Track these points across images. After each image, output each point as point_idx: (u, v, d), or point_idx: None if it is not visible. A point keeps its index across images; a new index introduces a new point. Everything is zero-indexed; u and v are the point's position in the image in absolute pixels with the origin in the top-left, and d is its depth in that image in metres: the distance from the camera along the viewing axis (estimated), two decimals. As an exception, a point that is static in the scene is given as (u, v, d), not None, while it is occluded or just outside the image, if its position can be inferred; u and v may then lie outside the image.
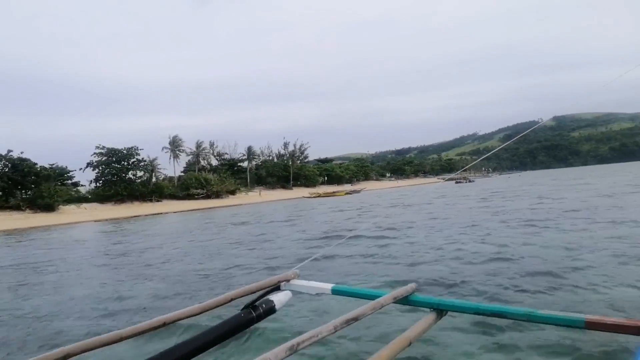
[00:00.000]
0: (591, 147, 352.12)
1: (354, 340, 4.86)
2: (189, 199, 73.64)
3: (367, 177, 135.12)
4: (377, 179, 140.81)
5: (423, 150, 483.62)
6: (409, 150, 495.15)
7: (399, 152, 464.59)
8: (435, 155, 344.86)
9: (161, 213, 55.18)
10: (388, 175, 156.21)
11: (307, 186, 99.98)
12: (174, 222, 36.71)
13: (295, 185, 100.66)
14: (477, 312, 2.13)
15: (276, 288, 2.52)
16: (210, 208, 59.74)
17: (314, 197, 66.28)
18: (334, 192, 70.45)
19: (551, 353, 4.22)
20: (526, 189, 39.92)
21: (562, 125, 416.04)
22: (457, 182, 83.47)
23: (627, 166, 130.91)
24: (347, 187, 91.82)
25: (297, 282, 2.61)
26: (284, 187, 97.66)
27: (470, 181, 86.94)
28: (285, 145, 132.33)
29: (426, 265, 8.82)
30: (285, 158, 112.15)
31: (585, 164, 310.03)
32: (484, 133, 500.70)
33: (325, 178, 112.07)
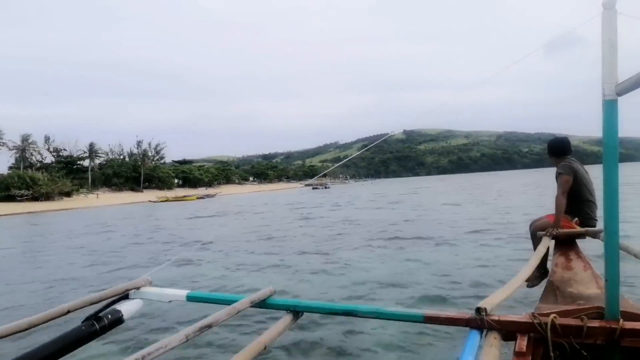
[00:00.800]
0: (434, 159, 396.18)
1: (209, 348, 4.63)
2: (10, 201, 62.24)
3: (228, 181, 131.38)
4: (239, 183, 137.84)
5: (289, 156, 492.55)
6: (275, 155, 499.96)
7: (266, 157, 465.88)
8: (300, 161, 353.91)
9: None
10: (252, 179, 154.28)
11: (161, 189, 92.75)
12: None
13: (148, 187, 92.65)
14: (331, 311, 2.33)
15: (124, 297, 2.37)
16: (35, 212, 50.88)
17: (162, 201, 60.88)
18: (184, 197, 65.30)
19: (397, 346, 4.48)
20: (372, 198, 41.36)
21: (411, 138, 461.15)
22: (314, 188, 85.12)
23: (460, 177, 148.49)
24: (202, 191, 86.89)
25: (149, 290, 2.47)
26: (133, 190, 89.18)
27: (326, 187, 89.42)
28: (139, 143, 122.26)
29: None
30: (137, 157, 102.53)
31: (429, 174, 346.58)
32: (344, 142, 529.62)
33: (180, 181, 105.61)
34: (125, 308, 2.20)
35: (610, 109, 1.91)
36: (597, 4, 1.92)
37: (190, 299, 2.45)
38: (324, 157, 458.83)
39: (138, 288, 2.46)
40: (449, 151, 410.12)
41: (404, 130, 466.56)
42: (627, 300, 2.52)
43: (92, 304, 2.18)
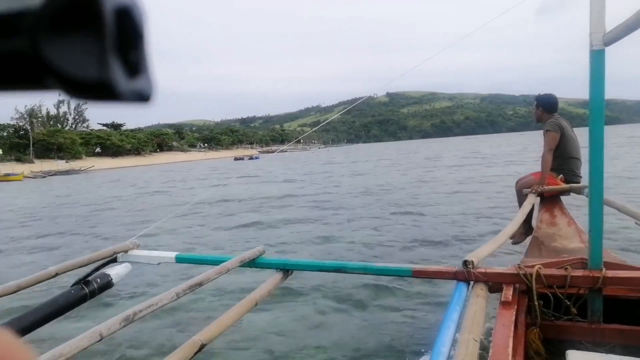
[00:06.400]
0: (416, 123, 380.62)
1: (200, 306, 4.58)
2: None
3: (169, 148, 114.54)
4: (183, 150, 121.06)
5: (268, 120, 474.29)
6: (254, 119, 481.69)
7: (244, 121, 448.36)
8: (278, 126, 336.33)
9: None
10: (201, 145, 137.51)
11: (62, 158, 75.50)
12: None
13: (45, 157, 75.15)
14: (321, 269, 2.39)
15: (112, 260, 2.35)
16: None
17: None
18: (5, 175, 46.13)
19: (387, 299, 4.44)
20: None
21: (394, 101, 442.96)
22: (236, 159, 70.07)
23: (438, 142, 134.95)
24: (82, 162, 68.36)
25: (137, 253, 2.46)
26: (20, 161, 72.02)
27: (252, 158, 72.97)
28: (59, 103, 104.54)
29: None
30: (24, 119, 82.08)
31: (411, 138, 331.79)
32: (326, 105, 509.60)
33: (96, 148, 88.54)
34: (114, 272, 2.13)
35: (597, 60, 1.95)
36: None
37: (180, 260, 2.44)
38: (304, 120, 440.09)
39: (126, 251, 2.43)
40: (432, 114, 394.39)
41: (387, 93, 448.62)
42: (609, 252, 2.59)
43: (79, 267, 2.19)
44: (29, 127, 76.74)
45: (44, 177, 47.67)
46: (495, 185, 12.83)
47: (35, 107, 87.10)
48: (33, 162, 71.11)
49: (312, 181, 20.13)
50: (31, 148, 74.34)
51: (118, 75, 0.18)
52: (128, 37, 0.19)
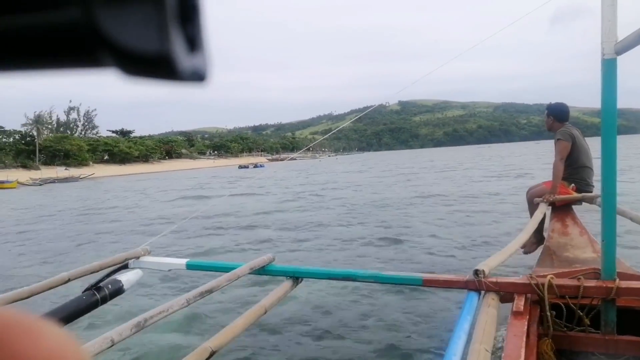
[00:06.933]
0: (428, 131, 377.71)
1: (210, 313, 4.58)
2: None
3: (178, 155, 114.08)
4: (192, 158, 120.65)
5: (280, 128, 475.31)
6: (266, 126, 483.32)
7: (256, 129, 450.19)
8: (289, 133, 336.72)
9: None
10: (210, 152, 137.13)
11: (70, 165, 75.21)
12: None
13: (51, 164, 74.85)
14: (330, 277, 2.40)
15: (124, 266, 2.38)
16: None
17: None
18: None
19: (396, 308, 4.38)
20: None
21: (406, 109, 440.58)
22: (240, 167, 69.40)
23: (451, 150, 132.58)
24: (88, 169, 67.56)
25: (148, 259, 2.49)
26: (26, 167, 71.77)
27: (257, 166, 71.64)
28: (70, 110, 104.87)
29: None
30: (31, 126, 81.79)
31: (423, 146, 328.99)
32: (337, 113, 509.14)
33: (104, 155, 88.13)
34: (126, 278, 2.15)
35: (609, 69, 1.96)
36: None
37: (190, 267, 2.47)
38: (316, 128, 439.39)
39: (137, 257, 2.45)
40: (445, 123, 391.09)
41: (399, 101, 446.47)
42: (622, 262, 2.56)
43: (91, 272, 2.22)
44: (35, 134, 76.50)
45: (41, 184, 46.89)
46: (505, 205, 11.16)
47: (44, 114, 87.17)
48: (39, 169, 70.79)
49: (300, 195, 18.57)
50: (37, 154, 74.11)
51: (179, 49, 0.17)
52: (186, 9, 0.17)
